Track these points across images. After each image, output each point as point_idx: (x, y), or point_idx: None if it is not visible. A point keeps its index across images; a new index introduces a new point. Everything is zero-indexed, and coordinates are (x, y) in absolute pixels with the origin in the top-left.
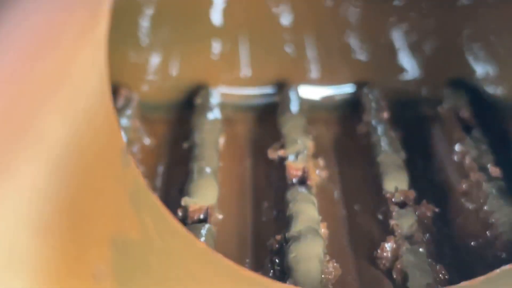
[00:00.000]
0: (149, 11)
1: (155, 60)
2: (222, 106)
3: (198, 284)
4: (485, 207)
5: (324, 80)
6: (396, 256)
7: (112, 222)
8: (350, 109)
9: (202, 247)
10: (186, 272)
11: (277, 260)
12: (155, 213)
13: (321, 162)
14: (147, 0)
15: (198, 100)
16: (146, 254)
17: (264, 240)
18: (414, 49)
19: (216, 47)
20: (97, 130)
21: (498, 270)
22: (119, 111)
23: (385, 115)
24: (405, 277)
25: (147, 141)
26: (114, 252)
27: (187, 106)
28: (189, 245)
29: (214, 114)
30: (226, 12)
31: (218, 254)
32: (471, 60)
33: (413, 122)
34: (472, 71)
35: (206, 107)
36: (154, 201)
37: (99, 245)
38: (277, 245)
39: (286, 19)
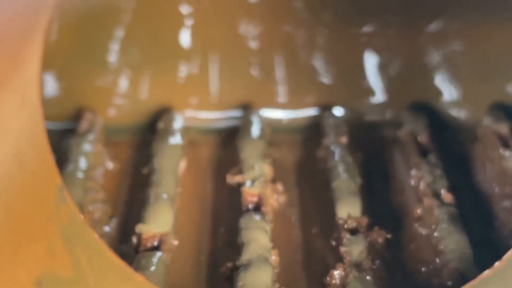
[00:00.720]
0: (117, 34)
1: (121, 83)
2: (187, 130)
3: None
4: (435, 234)
5: (289, 103)
6: (344, 283)
7: (39, 262)
8: (313, 132)
9: (141, 280)
10: None
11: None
12: (91, 249)
13: (279, 187)
14: (116, 24)
15: (160, 125)
16: None
17: (219, 266)
18: (379, 72)
19: (183, 70)
20: (28, 170)
21: None
22: (82, 135)
23: (344, 140)
24: None
25: (109, 165)
26: None
27: (152, 129)
28: (126, 280)
29: (176, 139)
30: (194, 35)
31: None
32: (435, 83)
33: (375, 145)
34: (436, 95)
35: (168, 132)
36: (91, 236)
37: (23, 286)
38: (228, 272)
39: (253, 43)
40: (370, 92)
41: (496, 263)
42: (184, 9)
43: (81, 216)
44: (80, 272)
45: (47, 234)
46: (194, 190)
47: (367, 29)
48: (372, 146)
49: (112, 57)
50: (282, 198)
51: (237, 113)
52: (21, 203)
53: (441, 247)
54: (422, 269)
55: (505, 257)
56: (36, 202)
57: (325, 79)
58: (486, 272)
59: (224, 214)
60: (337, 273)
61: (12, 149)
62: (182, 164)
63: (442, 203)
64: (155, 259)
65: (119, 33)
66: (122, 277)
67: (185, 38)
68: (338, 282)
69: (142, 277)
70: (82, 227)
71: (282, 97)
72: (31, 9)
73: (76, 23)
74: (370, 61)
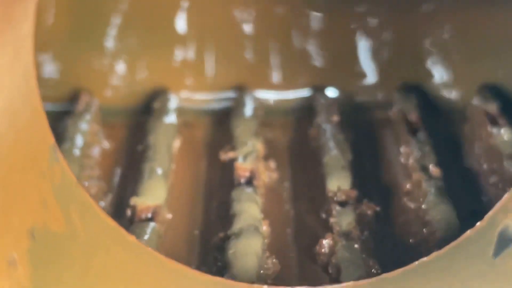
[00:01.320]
0: (114, 19)
1: (118, 66)
2: (183, 111)
3: (122, 272)
4: (423, 206)
5: (282, 85)
6: (332, 251)
7: (32, 214)
8: (306, 113)
9: (132, 240)
10: (111, 262)
11: (218, 257)
12: (83, 207)
13: (272, 164)
14: (113, 8)
15: (156, 105)
16: (69, 245)
17: (211, 238)
18: (371, 55)
19: (179, 53)
20: (20, 126)
21: (416, 262)
22: (79, 115)
23: (335, 118)
24: (338, 271)
25: (105, 144)
26: (31, 242)
27: (148, 111)
28: (117, 238)
29: (170, 118)
30: (190, 19)
31: (148, 248)
32: (425, 65)
33: (366, 124)
34: (426, 76)
35: (163, 111)
36: (83, 195)
37: (15, 235)
38: (220, 242)
39: (247, 27)
40: (362, 73)
41: (478, 223)
42: None
43: (73, 176)
44: (72, 227)
45: (40, 189)
46: (188, 167)
47: (359, 12)
48: (363, 126)
49: (109, 41)
50: (274, 175)
51: (231, 94)
52: (13, 157)
53: (428, 218)
54: (410, 240)
55: (486, 217)
56: (29, 158)
57: (318, 61)
58: (468, 231)
59: (217, 189)
60: (326, 242)
61: (3, 103)
62: (177, 143)
63: (430, 177)
64: (148, 229)
65: (116, 18)
66: (113, 235)
67: (180, 23)
68: (327, 250)
69: (133, 237)
70: (74, 186)
71: (275, 79)
72: None
73: (73, 7)
74: (362, 44)
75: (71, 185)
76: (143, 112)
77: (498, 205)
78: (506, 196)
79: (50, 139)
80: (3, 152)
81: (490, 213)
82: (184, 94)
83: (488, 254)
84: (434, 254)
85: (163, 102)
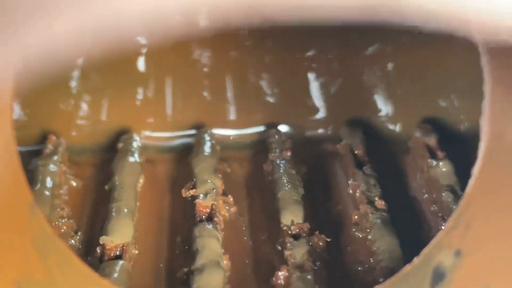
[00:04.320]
0: (77, 63)
1: (82, 107)
2: (145, 148)
3: None
4: (369, 236)
5: (238, 122)
6: (288, 283)
7: (17, 267)
8: (261, 148)
9: (106, 283)
10: None
11: None
12: (60, 256)
13: (230, 198)
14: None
15: (120, 145)
16: None
17: (176, 271)
18: (320, 92)
19: (141, 94)
20: (3, 190)
21: None
22: (47, 156)
23: (288, 154)
24: None
25: (73, 183)
26: None
27: (113, 149)
28: (92, 283)
29: (134, 157)
30: (149, 62)
31: None
32: (371, 101)
33: (317, 158)
34: (372, 111)
35: (127, 151)
36: (60, 245)
37: (5, 286)
38: (184, 277)
39: (205, 67)
40: (312, 110)
41: (415, 259)
42: (140, 39)
43: (51, 228)
44: (51, 277)
45: (22, 244)
46: (152, 204)
47: (308, 53)
48: (314, 160)
49: (73, 84)
50: (233, 209)
51: (190, 132)
52: None
53: (374, 248)
54: (359, 268)
55: (422, 253)
56: (11, 217)
57: (271, 99)
58: (407, 266)
59: (180, 225)
60: (281, 274)
61: None
62: (141, 180)
63: (376, 209)
64: (117, 267)
65: (79, 62)
66: (89, 281)
67: (141, 65)
68: (282, 282)
69: (107, 281)
70: (52, 238)
71: (231, 117)
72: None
73: None
74: (312, 82)
75: (49, 237)
76: (108, 150)
77: (432, 242)
78: (440, 233)
79: (29, 197)
80: None
81: (426, 249)
82: (146, 132)
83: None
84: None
85: (126, 141)
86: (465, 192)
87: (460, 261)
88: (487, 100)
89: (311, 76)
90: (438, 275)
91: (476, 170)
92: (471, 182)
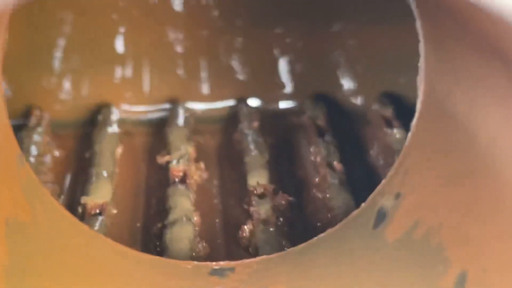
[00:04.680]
0: (59, 43)
1: (64, 83)
2: (123, 122)
3: (77, 253)
4: (328, 195)
5: (210, 97)
6: (252, 235)
7: (6, 207)
8: (231, 120)
9: (85, 228)
10: (68, 245)
11: (157, 243)
12: (45, 202)
13: (202, 165)
14: (59, 32)
15: (100, 117)
16: (34, 231)
17: (151, 228)
18: (287, 68)
19: (119, 71)
20: None
21: (315, 238)
22: (32, 128)
23: (256, 124)
24: (257, 251)
25: (56, 153)
26: (7, 228)
27: (92, 123)
28: (73, 226)
29: (113, 129)
30: (127, 41)
31: (98, 234)
32: (334, 76)
33: (283, 129)
34: (335, 86)
35: (106, 123)
36: (44, 192)
37: None
38: (158, 231)
39: (179, 46)
40: (279, 85)
41: (362, 204)
42: (117, 20)
43: (37, 177)
44: (36, 218)
45: (11, 188)
46: (130, 171)
47: (275, 31)
48: (281, 131)
49: (56, 62)
50: (204, 175)
51: (165, 106)
52: None
53: (331, 205)
54: (318, 224)
55: (368, 199)
56: (1, 164)
57: (241, 75)
58: (355, 211)
59: (155, 188)
60: (247, 227)
61: None
62: (119, 150)
63: (334, 171)
64: (97, 223)
65: (61, 41)
66: (70, 224)
67: (119, 44)
68: (247, 234)
69: (86, 226)
70: (38, 186)
71: (204, 92)
72: None
73: (23, 34)
74: (279, 59)
75: (35, 185)
76: (89, 124)
77: (377, 189)
78: (383, 181)
79: (17, 149)
80: None
81: (371, 195)
82: (124, 106)
83: (370, 226)
84: (329, 230)
85: (106, 114)
86: (404, 144)
87: (399, 202)
88: (421, 59)
89: (278, 53)
90: (381, 215)
91: (413, 124)
92: (409, 135)
